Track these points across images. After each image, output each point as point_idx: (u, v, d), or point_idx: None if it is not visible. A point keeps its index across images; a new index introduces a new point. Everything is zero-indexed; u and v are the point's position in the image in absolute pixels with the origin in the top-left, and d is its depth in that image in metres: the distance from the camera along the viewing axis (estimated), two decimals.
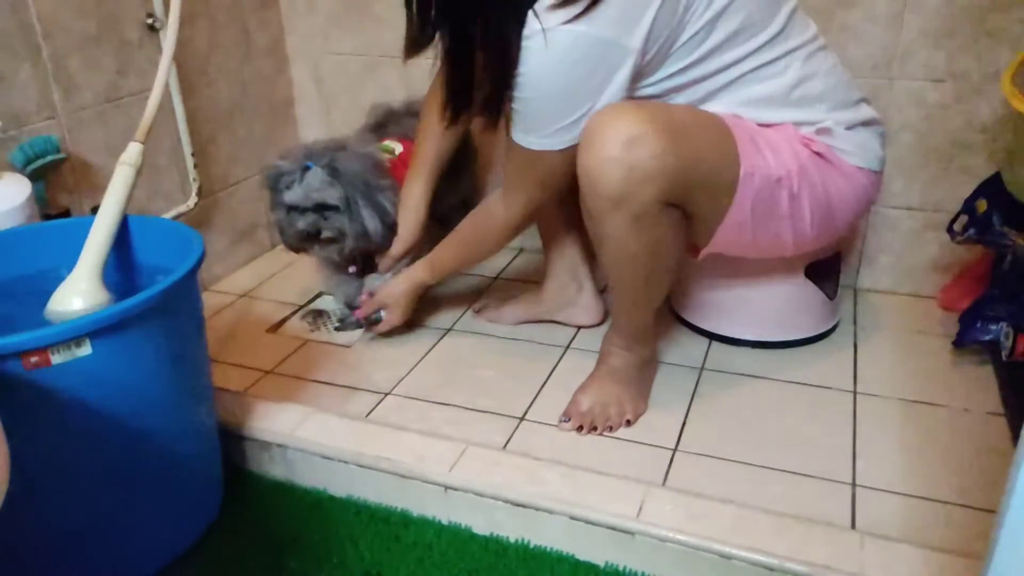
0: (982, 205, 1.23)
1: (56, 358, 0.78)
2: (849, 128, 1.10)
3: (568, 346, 1.37)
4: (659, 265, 1.07)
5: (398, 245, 1.35)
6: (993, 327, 1.22)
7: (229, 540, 1.02)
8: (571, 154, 1.03)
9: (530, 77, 0.99)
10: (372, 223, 1.30)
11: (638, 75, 1.01)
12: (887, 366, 1.28)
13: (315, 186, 1.26)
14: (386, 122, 1.49)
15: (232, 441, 1.12)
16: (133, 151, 1.04)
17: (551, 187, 1.13)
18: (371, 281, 1.40)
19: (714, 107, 1.07)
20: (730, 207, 1.03)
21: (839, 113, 1.09)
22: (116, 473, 0.89)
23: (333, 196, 1.27)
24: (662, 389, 1.23)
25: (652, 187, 0.97)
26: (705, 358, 1.32)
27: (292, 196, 1.28)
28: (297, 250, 1.37)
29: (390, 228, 1.32)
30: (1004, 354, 1.18)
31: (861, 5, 1.34)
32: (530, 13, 0.96)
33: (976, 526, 0.95)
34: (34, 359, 0.77)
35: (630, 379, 1.18)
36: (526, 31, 0.97)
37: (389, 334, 1.39)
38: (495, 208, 1.20)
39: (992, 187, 1.23)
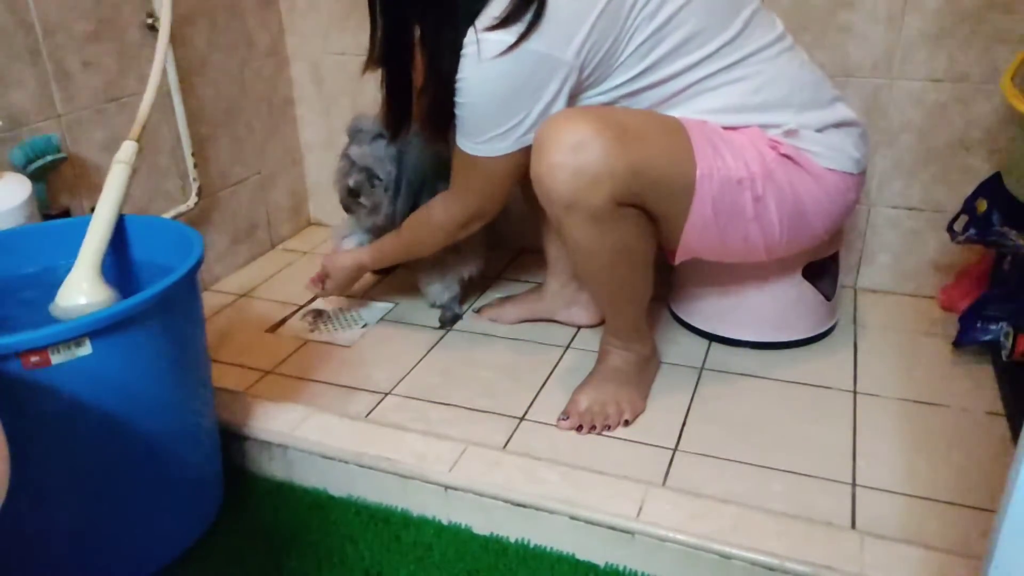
0: (982, 205, 1.23)
1: (56, 358, 0.78)
2: (820, 130, 1.08)
3: (568, 346, 1.37)
4: (627, 263, 1.07)
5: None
6: (993, 327, 1.22)
7: (229, 540, 1.02)
8: (509, 164, 1.09)
9: (466, 85, 1.03)
10: (403, 214, 1.31)
11: (581, 86, 1.04)
12: (887, 366, 1.28)
13: (379, 155, 1.30)
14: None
15: (232, 441, 1.12)
16: (128, 149, 1.04)
17: (488, 195, 1.16)
18: (430, 290, 1.45)
19: (673, 112, 1.07)
20: (690, 208, 1.03)
21: (809, 115, 1.08)
22: (116, 473, 0.89)
23: (382, 170, 1.30)
24: (662, 389, 1.23)
25: (601, 189, 0.97)
26: (705, 358, 1.32)
27: (352, 151, 1.33)
28: (343, 206, 1.39)
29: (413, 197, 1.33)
30: (1004, 354, 1.18)
31: (861, 5, 1.34)
32: (470, 28, 0.99)
33: (976, 526, 0.95)
34: (34, 359, 0.77)
35: (629, 378, 1.18)
36: (465, 40, 1.00)
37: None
38: (435, 209, 1.23)
39: (992, 187, 1.23)
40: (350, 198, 1.35)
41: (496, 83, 1.02)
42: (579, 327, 1.42)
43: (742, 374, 1.27)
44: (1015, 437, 0.89)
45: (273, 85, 1.73)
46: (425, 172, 1.32)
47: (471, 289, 1.56)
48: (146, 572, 0.96)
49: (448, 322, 1.44)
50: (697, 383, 1.25)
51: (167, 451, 0.93)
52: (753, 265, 1.23)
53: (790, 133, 1.07)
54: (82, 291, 0.96)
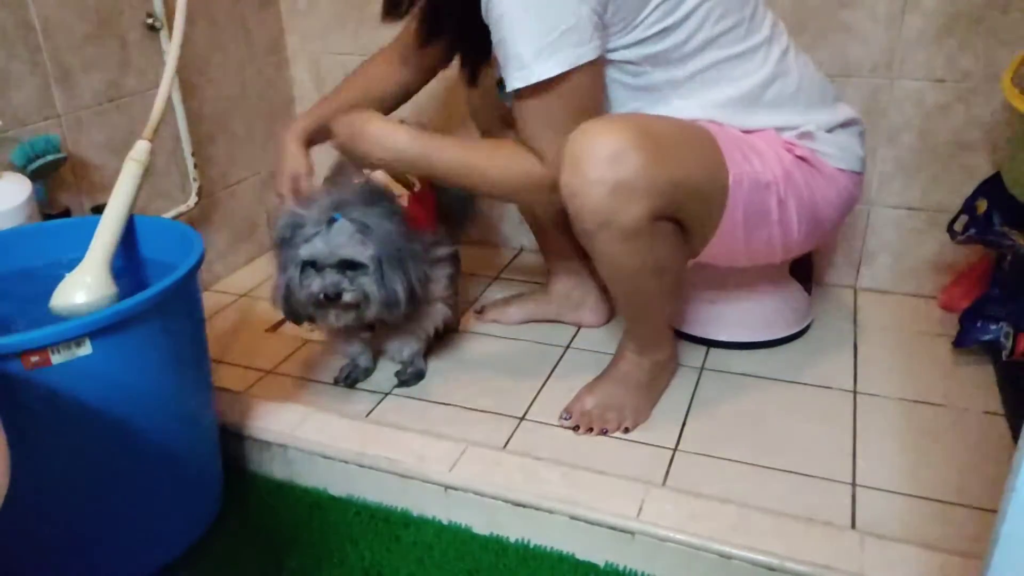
0: (982, 205, 1.23)
1: (56, 358, 0.78)
2: (829, 130, 1.09)
3: (568, 346, 1.37)
4: (660, 277, 1.05)
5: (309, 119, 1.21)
6: (993, 327, 1.22)
7: (229, 540, 1.02)
8: (581, 90, 0.96)
9: None
10: (401, 290, 1.11)
11: (608, 24, 0.96)
12: (887, 366, 1.28)
13: (342, 241, 1.07)
14: None
15: (232, 441, 1.12)
16: (141, 148, 1.03)
17: (570, 128, 0.98)
18: (389, 347, 1.28)
19: (692, 104, 1.04)
20: (722, 216, 1.02)
21: (816, 114, 1.08)
22: (116, 473, 0.89)
23: (363, 254, 1.07)
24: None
25: (640, 204, 0.95)
26: (705, 358, 1.32)
27: (312, 250, 1.07)
28: (300, 319, 1.15)
29: (414, 297, 1.14)
30: (1004, 354, 1.18)
31: (861, 5, 1.34)
32: None
33: (976, 526, 0.95)
34: (34, 359, 0.77)
35: (639, 385, 1.17)
36: None
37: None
38: (528, 151, 1.02)
39: (992, 187, 1.23)
40: (322, 306, 1.11)
41: None
42: (583, 326, 1.42)
43: (742, 374, 1.27)
44: (1015, 437, 0.89)
45: (273, 85, 1.73)
46: (396, 233, 1.11)
47: (471, 289, 1.56)
48: (146, 572, 0.96)
49: (410, 379, 1.28)
50: (697, 383, 1.25)
51: (167, 451, 0.93)
52: (753, 268, 1.23)
53: (805, 135, 1.06)
54: (83, 285, 0.96)
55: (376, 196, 1.13)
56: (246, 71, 1.64)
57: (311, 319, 1.14)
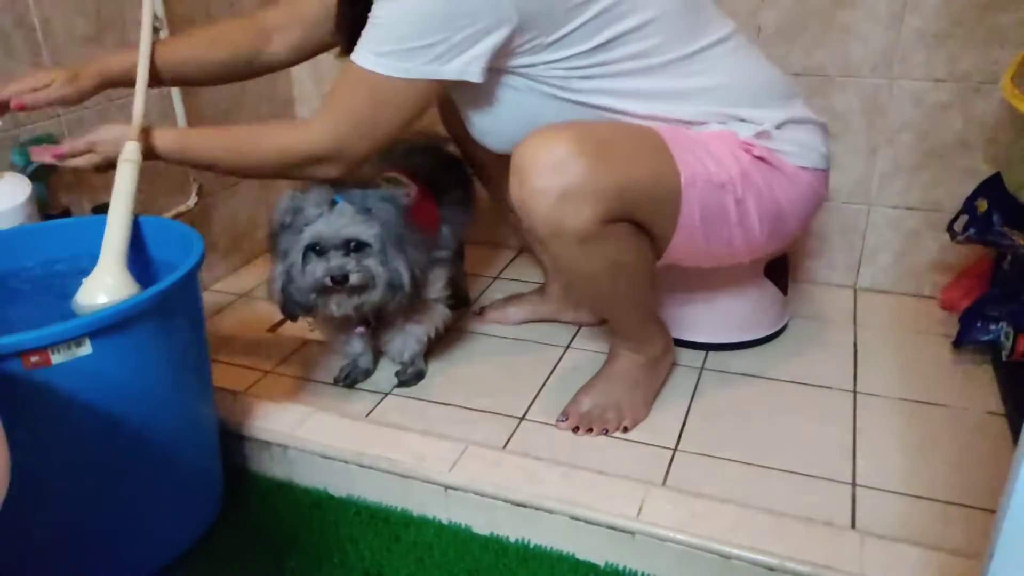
0: (982, 205, 1.23)
1: (56, 358, 0.78)
2: (780, 127, 1.07)
3: (568, 346, 1.37)
4: (623, 277, 1.05)
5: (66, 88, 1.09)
6: (993, 327, 1.22)
7: (229, 540, 1.02)
8: (401, 95, 0.97)
9: None
10: (404, 271, 1.10)
11: (522, 44, 0.96)
12: (887, 366, 1.28)
13: (346, 221, 1.06)
14: (388, 149, 1.29)
15: (232, 441, 1.12)
16: (131, 148, 1.04)
17: (361, 130, 0.99)
18: (390, 348, 1.27)
19: (631, 106, 1.03)
20: (679, 217, 1.01)
21: (767, 111, 1.06)
22: (116, 473, 0.89)
23: (368, 233, 1.06)
24: (662, 389, 1.23)
25: (587, 209, 0.95)
26: (705, 358, 1.32)
27: (316, 232, 1.06)
28: (299, 311, 1.13)
29: (415, 281, 1.13)
30: (1004, 354, 1.18)
31: (861, 5, 1.34)
32: None
33: (976, 526, 0.95)
34: (34, 359, 0.77)
35: (636, 383, 1.17)
36: None
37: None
38: (284, 128, 1.06)
39: (992, 187, 1.23)
40: (325, 293, 1.09)
41: None
42: (583, 325, 1.42)
43: (742, 374, 1.27)
44: (1015, 437, 0.89)
45: (273, 85, 1.73)
46: (396, 218, 1.11)
47: (471, 290, 1.56)
48: (146, 572, 0.96)
49: (411, 379, 1.28)
50: (697, 383, 1.25)
51: (167, 451, 0.93)
52: (722, 269, 1.23)
53: (762, 135, 1.05)
54: (106, 286, 0.96)
55: (372, 182, 1.14)
56: None
57: (311, 309, 1.12)
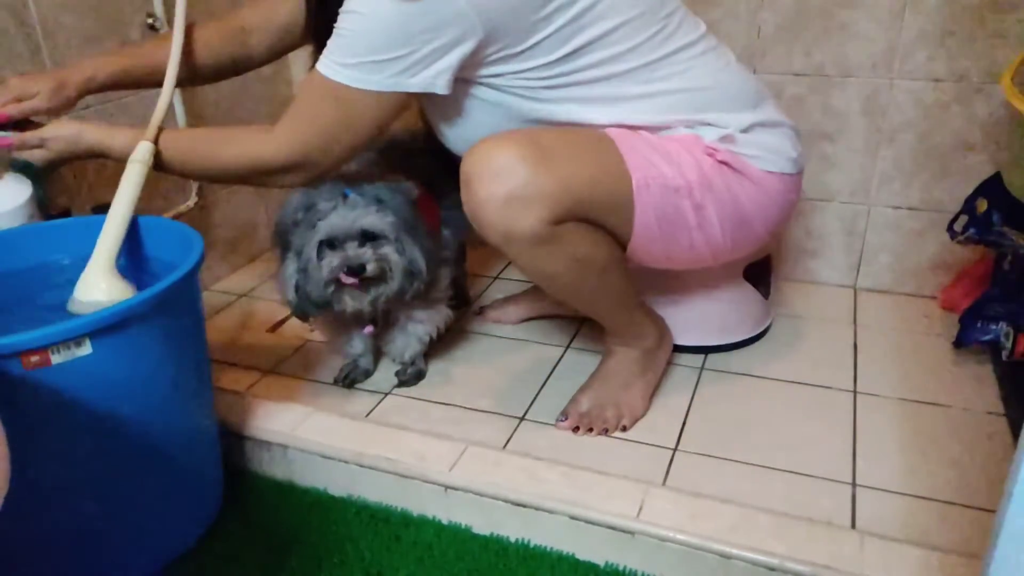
0: (982, 205, 1.23)
1: (56, 358, 0.78)
2: (747, 131, 1.06)
3: (568, 346, 1.37)
4: (592, 272, 1.04)
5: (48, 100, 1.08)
6: (993, 327, 1.22)
7: (229, 540, 1.02)
8: (368, 108, 0.97)
9: None
10: (420, 258, 1.10)
11: (489, 55, 0.96)
12: (887, 366, 1.28)
13: (360, 212, 1.06)
14: (388, 152, 1.29)
15: (232, 441, 1.12)
16: (143, 149, 1.04)
17: (327, 140, 0.99)
18: (391, 347, 1.27)
19: (596, 113, 1.03)
20: (633, 219, 1.01)
21: (735, 115, 1.05)
22: (116, 473, 0.89)
23: (383, 223, 1.06)
24: (662, 389, 1.23)
25: (533, 212, 0.96)
26: (705, 358, 1.32)
27: (332, 223, 1.05)
28: (313, 310, 1.12)
29: (430, 269, 1.13)
30: (1004, 354, 1.18)
31: (861, 5, 1.34)
32: None
33: (976, 526, 0.95)
34: (34, 359, 0.77)
35: (632, 377, 1.17)
36: None
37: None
38: (254, 136, 1.04)
39: (992, 187, 1.23)
40: (340, 290, 1.09)
41: (403, 7, 0.90)
42: (583, 317, 1.42)
43: (742, 374, 1.27)
44: (1015, 437, 0.89)
45: (273, 85, 1.73)
46: (407, 207, 1.11)
47: (471, 289, 1.56)
48: (146, 572, 0.96)
49: (411, 379, 1.29)
50: (697, 383, 1.25)
51: (167, 451, 0.93)
52: (697, 271, 1.22)
53: (726, 138, 1.04)
54: (100, 287, 0.96)
55: (379, 174, 1.15)
56: None
57: (325, 306, 1.11)
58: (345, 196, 1.07)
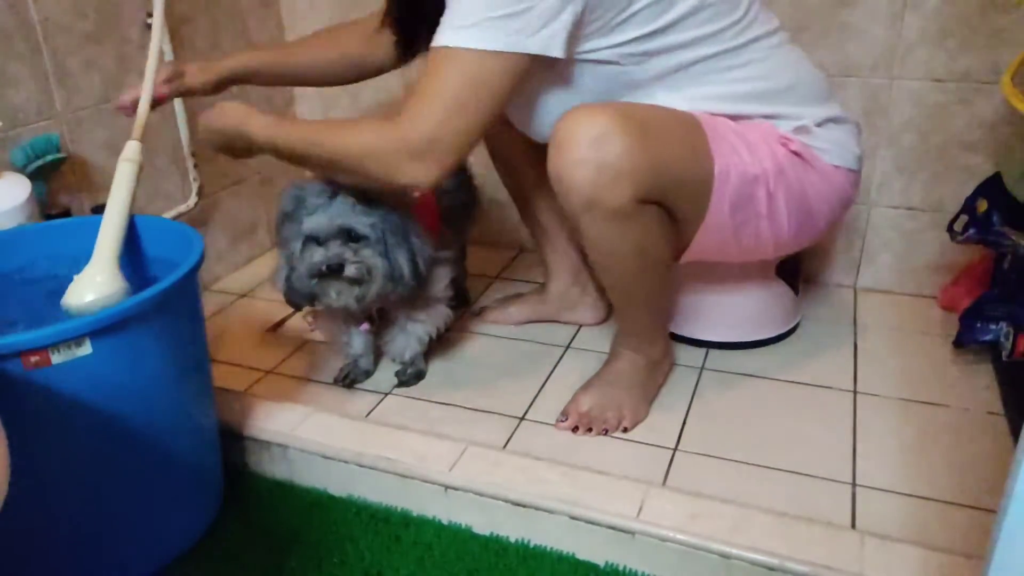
0: (982, 205, 1.23)
1: (56, 358, 0.78)
2: (821, 125, 1.08)
3: (568, 346, 1.37)
4: (647, 263, 1.05)
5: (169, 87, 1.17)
6: (993, 327, 1.22)
7: (229, 540, 1.02)
8: (495, 73, 0.92)
9: None
10: (406, 265, 1.11)
11: (586, 23, 0.95)
12: (887, 366, 1.28)
13: (343, 211, 1.07)
14: None
15: (232, 441, 1.12)
16: (132, 148, 1.04)
17: (456, 118, 0.93)
18: (391, 347, 1.27)
19: (681, 100, 1.04)
20: (708, 207, 1.02)
21: (810, 108, 1.08)
22: (116, 473, 0.89)
23: (364, 224, 1.07)
24: (662, 389, 1.23)
25: (624, 185, 0.96)
26: (705, 358, 1.32)
27: (314, 222, 1.07)
28: (301, 300, 1.14)
29: (419, 277, 1.13)
30: (1004, 354, 1.18)
31: (861, 5, 1.34)
32: None
33: (976, 526, 0.95)
34: (34, 359, 0.77)
35: (635, 383, 1.17)
36: None
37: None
38: (387, 119, 0.96)
39: (992, 187, 1.23)
40: (323, 280, 1.09)
41: None
42: (582, 325, 1.42)
43: (742, 374, 1.27)
44: (1015, 437, 0.89)
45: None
46: (398, 209, 1.11)
47: (471, 289, 1.56)
48: (146, 572, 0.96)
49: (411, 379, 1.29)
50: (697, 383, 1.25)
51: (167, 451, 0.93)
52: (734, 268, 1.23)
53: (801, 130, 1.06)
54: (95, 284, 0.96)
55: None
56: None
57: (312, 298, 1.12)
58: (335, 195, 1.07)
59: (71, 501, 0.88)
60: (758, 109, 1.06)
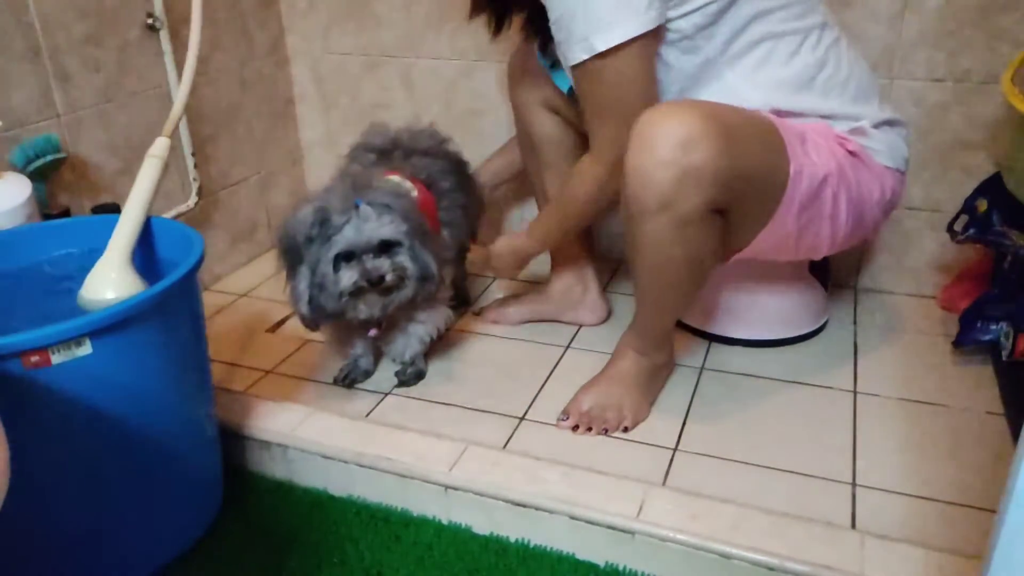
0: (982, 205, 1.23)
1: (56, 358, 0.78)
2: (877, 127, 1.09)
3: (568, 345, 1.37)
4: (694, 273, 1.04)
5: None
6: (993, 327, 1.22)
7: (229, 540, 1.02)
8: (635, 59, 0.98)
9: None
10: (431, 262, 1.11)
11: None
12: (887, 366, 1.28)
13: (375, 224, 1.05)
14: (390, 152, 1.29)
15: (232, 441, 1.12)
16: (161, 144, 1.05)
17: (618, 114, 1.01)
18: (391, 348, 1.26)
19: (746, 85, 1.03)
20: (777, 208, 1.01)
21: (864, 107, 1.08)
22: (116, 473, 0.89)
23: (399, 232, 1.07)
24: (662, 391, 1.23)
25: (703, 191, 0.94)
26: (705, 358, 1.32)
27: (348, 237, 1.05)
28: (327, 320, 1.13)
29: (439, 270, 1.15)
30: (1004, 354, 1.18)
31: (861, 5, 1.34)
32: None
33: (976, 526, 0.95)
34: (34, 359, 0.77)
35: (638, 384, 1.17)
36: None
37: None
38: (582, 164, 1.11)
39: (992, 187, 1.23)
40: (354, 296, 1.08)
41: None
42: (582, 325, 1.42)
43: (742, 374, 1.27)
44: (1015, 437, 0.89)
45: (273, 85, 1.73)
46: (415, 212, 1.12)
47: (471, 289, 1.56)
48: (146, 572, 0.96)
49: (411, 379, 1.28)
50: (697, 383, 1.25)
51: (167, 451, 0.93)
52: (771, 266, 1.23)
53: (857, 131, 1.07)
54: (111, 281, 0.96)
55: (378, 178, 1.15)
56: (246, 71, 1.64)
57: (339, 316, 1.11)
58: (357, 207, 1.06)
59: (71, 501, 0.88)
60: (817, 104, 1.05)
